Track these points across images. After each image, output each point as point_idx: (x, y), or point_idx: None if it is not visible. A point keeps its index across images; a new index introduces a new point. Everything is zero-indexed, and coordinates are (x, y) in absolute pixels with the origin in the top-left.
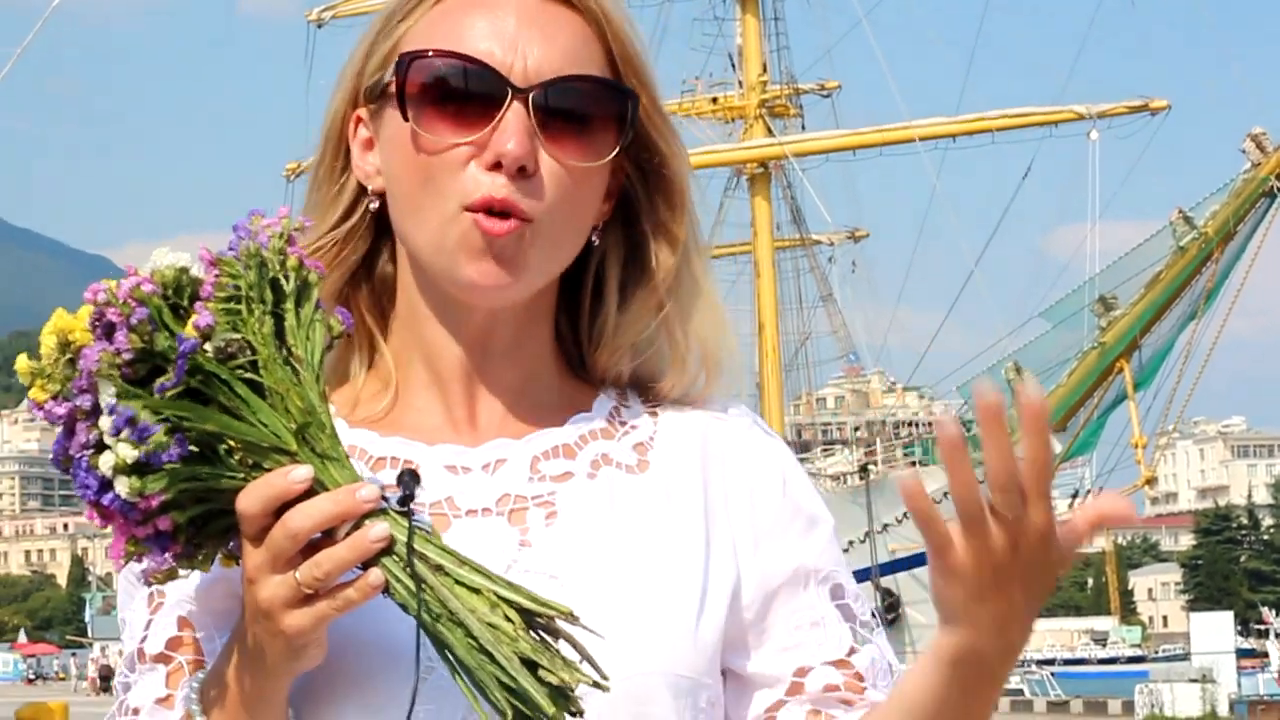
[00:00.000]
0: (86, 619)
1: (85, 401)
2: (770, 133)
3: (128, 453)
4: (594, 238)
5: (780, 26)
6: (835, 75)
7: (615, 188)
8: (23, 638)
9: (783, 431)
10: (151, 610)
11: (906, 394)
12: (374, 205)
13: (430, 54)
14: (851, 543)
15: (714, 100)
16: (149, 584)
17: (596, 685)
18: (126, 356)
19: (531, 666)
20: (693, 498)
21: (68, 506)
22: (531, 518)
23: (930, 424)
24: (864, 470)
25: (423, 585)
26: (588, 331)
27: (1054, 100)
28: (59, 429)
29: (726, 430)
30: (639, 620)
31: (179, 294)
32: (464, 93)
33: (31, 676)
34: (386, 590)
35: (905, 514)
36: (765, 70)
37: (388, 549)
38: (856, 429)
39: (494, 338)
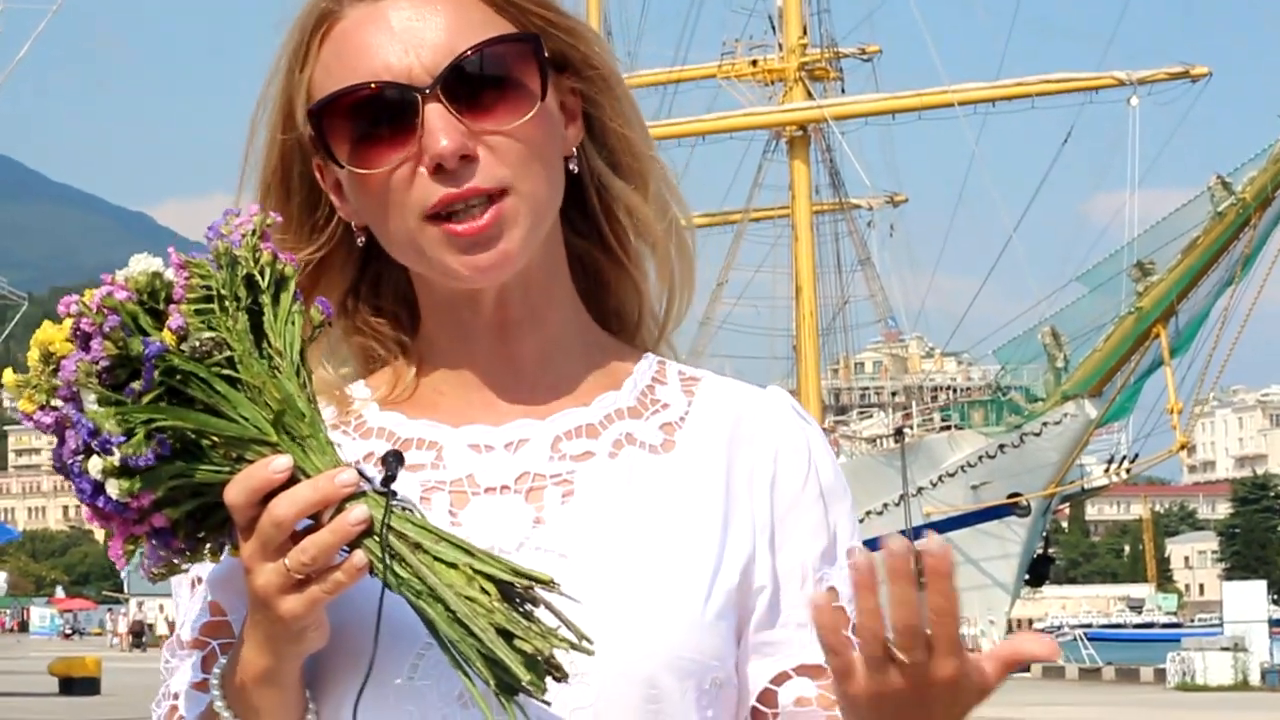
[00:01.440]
0: (123, 575)
1: (71, 410)
2: (810, 96)
3: (105, 456)
4: (571, 166)
5: None
6: (876, 39)
7: (575, 106)
8: (60, 593)
9: (819, 395)
10: (191, 596)
11: (945, 359)
12: (361, 240)
13: (333, 99)
14: (886, 505)
15: (754, 63)
16: (152, 580)
17: (576, 648)
18: (104, 364)
19: (507, 636)
20: (715, 479)
21: None
22: (548, 496)
23: (967, 390)
24: (899, 433)
25: (402, 563)
26: (604, 256)
27: (1094, 66)
28: (54, 436)
29: (761, 411)
30: (644, 601)
31: (154, 298)
32: (378, 117)
33: (68, 631)
34: (372, 570)
35: (940, 477)
36: (805, 33)
37: (370, 530)
38: (894, 394)
39: (508, 313)
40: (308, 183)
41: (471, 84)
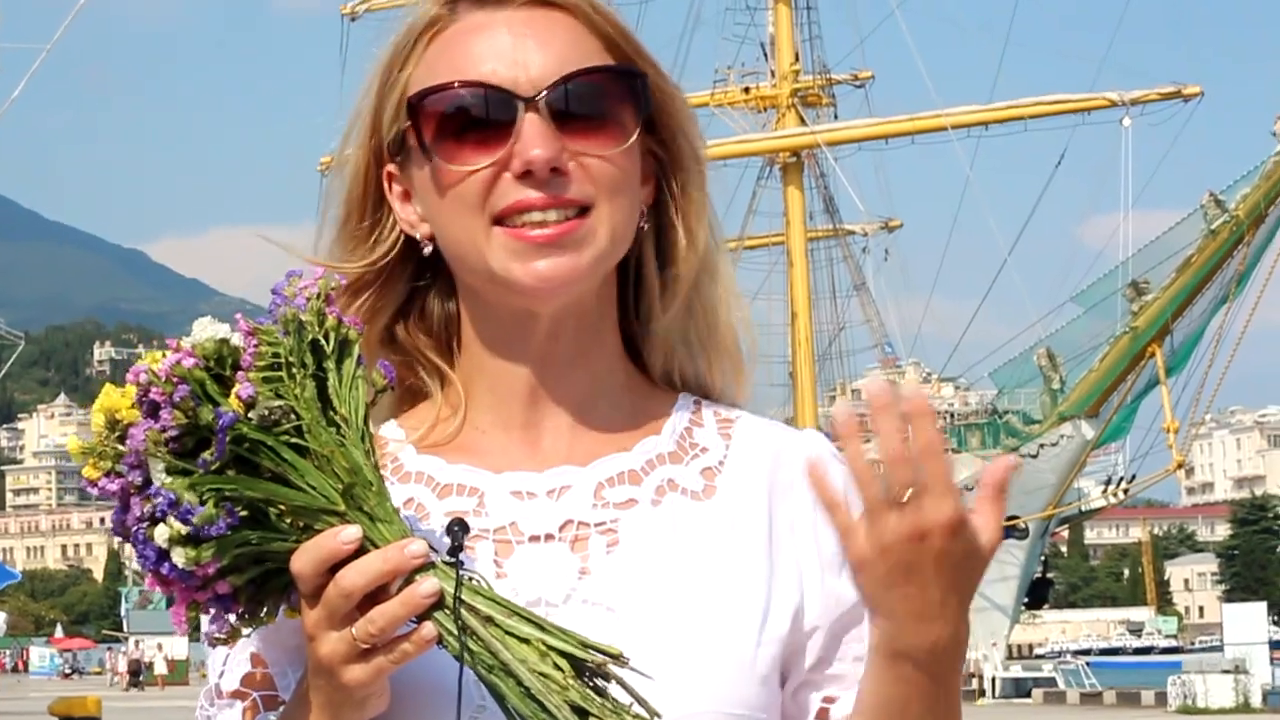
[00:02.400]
0: (122, 613)
1: (137, 477)
2: (803, 122)
3: (180, 525)
4: (642, 223)
5: (812, 16)
6: (868, 64)
7: (650, 170)
8: (59, 632)
9: (816, 422)
10: (230, 646)
11: (942, 384)
12: (428, 250)
13: (436, 90)
14: None
15: (746, 90)
16: (213, 646)
17: None
18: (172, 433)
19: (582, 714)
20: (757, 527)
21: (104, 501)
22: (593, 545)
23: (965, 416)
24: None
25: (473, 637)
26: (636, 320)
27: (1087, 87)
28: (115, 502)
29: (798, 455)
30: (692, 658)
31: (221, 364)
32: (478, 117)
33: (68, 671)
34: (441, 642)
35: None
36: (797, 60)
37: (439, 602)
38: None
39: (558, 347)
40: (380, 196)
41: (572, 105)
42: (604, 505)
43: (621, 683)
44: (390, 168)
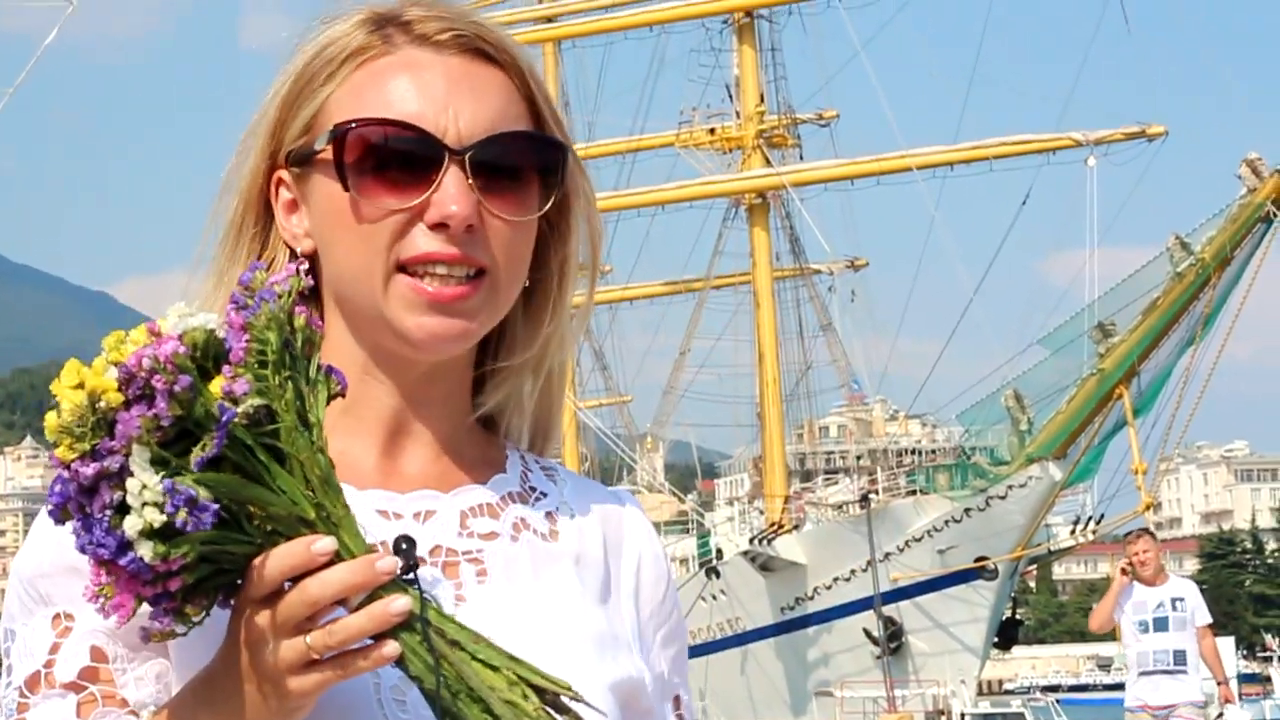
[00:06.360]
0: None
1: (114, 463)
2: (768, 163)
3: (155, 517)
4: (526, 280)
5: (777, 57)
6: (833, 105)
7: (540, 231)
8: None
9: (784, 461)
10: (58, 634)
11: (909, 422)
12: (305, 268)
13: (365, 124)
14: (854, 571)
15: (711, 131)
16: (147, 640)
17: None
18: (166, 423)
19: None
20: (599, 574)
21: None
22: (464, 573)
23: (933, 452)
24: (865, 499)
25: (441, 660)
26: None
27: (1051, 127)
28: (69, 484)
29: (624, 519)
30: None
31: (205, 356)
32: (401, 158)
33: None
34: (400, 662)
35: (907, 542)
36: (763, 101)
37: (405, 622)
38: (859, 457)
39: (431, 390)
40: (268, 204)
41: (495, 165)
42: (469, 535)
43: (576, 716)
44: (283, 174)
